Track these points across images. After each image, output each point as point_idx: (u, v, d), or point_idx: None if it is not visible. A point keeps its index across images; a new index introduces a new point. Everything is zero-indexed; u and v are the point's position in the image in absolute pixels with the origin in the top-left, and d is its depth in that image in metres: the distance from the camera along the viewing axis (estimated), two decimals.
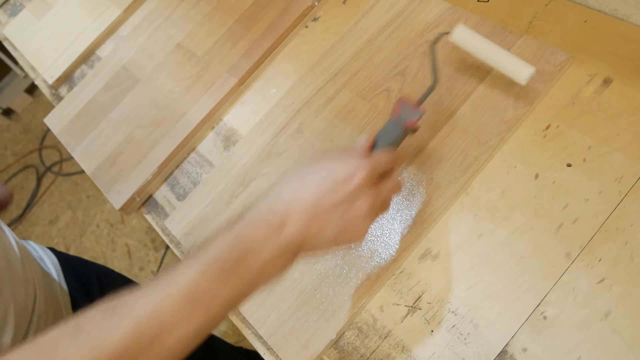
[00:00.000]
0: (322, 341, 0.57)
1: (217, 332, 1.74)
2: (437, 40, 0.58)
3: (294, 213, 0.44)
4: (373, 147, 0.51)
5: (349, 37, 0.74)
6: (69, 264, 0.84)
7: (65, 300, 0.77)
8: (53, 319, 0.72)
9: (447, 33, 0.59)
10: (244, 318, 0.63)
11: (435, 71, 0.56)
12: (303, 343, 0.57)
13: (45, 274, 0.77)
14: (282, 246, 0.43)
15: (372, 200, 0.46)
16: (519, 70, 0.56)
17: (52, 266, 0.80)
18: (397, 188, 0.50)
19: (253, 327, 0.62)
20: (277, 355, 0.59)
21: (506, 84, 0.61)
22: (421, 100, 0.54)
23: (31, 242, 0.83)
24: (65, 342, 0.37)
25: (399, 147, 0.53)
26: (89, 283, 0.84)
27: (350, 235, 0.46)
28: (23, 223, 2.33)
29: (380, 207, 0.48)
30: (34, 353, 0.37)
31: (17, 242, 0.72)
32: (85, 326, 0.38)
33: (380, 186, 0.47)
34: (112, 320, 0.38)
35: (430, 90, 0.55)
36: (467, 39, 0.59)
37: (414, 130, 0.54)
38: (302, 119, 0.71)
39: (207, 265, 0.40)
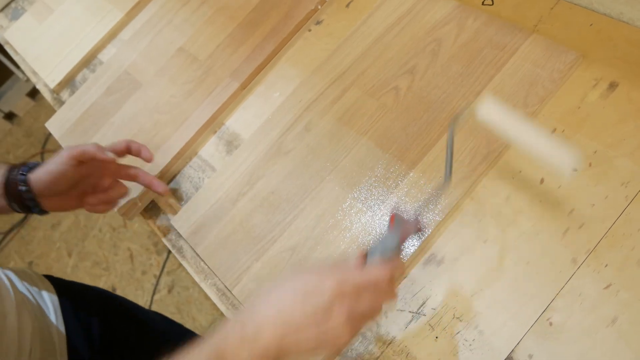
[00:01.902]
0: None
1: None
2: (456, 119, 0.51)
3: (266, 325, 0.44)
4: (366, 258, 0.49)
5: (356, 36, 0.74)
6: (68, 294, 0.82)
7: (61, 343, 0.75)
8: None
9: (463, 115, 0.51)
10: None
11: (450, 165, 0.50)
12: None
13: (42, 321, 0.74)
14: (258, 354, 0.43)
15: (349, 309, 0.44)
16: (561, 160, 0.46)
17: (50, 305, 0.78)
18: (377, 306, 0.47)
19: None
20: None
21: (515, 83, 0.61)
22: (420, 208, 0.51)
23: (32, 276, 0.80)
24: None
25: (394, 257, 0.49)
26: (88, 320, 0.81)
27: (331, 343, 0.45)
28: (25, 227, 2.33)
29: (360, 320, 0.46)
30: None
31: (15, 292, 0.69)
32: None
33: (358, 302, 0.45)
34: None
35: (442, 188, 0.50)
36: (496, 116, 0.49)
37: (419, 231, 0.50)
38: (309, 117, 0.71)
39: None
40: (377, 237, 0.51)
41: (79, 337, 0.78)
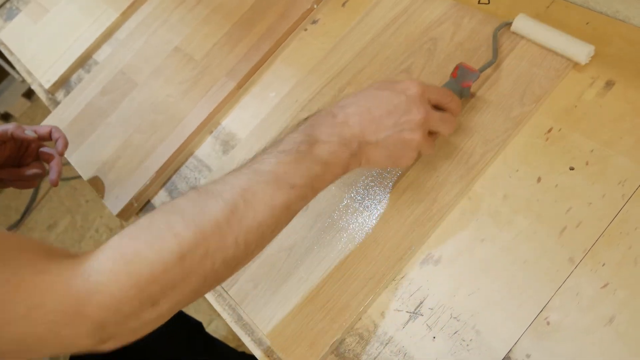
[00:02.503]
0: (328, 340, 0.56)
1: (218, 337, 1.73)
2: (500, 27, 0.63)
3: (352, 114, 0.50)
4: None
5: (352, 35, 0.74)
6: None
7: None
8: None
9: (509, 23, 0.63)
10: (245, 323, 0.62)
11: (495, 50, 0.62)
12: (308, 342, 0.57)
13: None
14: (345, 139, 0.49)
15: (425, 115, 0.50)
16: (579, 50, 0.58)
17: None
18: (449, 122, 0.54)
19: (253, 333, 0.61)
20: (280, 358, 0.58)
21: (511, 82, 0.60)
22: (482, 69, 0.60)
23: None
24: (162, 219, 0.41)
25: None
26: None
27: (399, 147, 0.51)
28: (21, 228, 2.32)
29: (430, 130, 0.52)
30: (135, 230, 0.41)
31: None
32: (181, 206, 0.43)
33: (434, 110, 0.52)
34: (206, 200, 0.43)
35: (490, 63, 0.61)
36: (528, 27, 0.62)
37: (471, 95, 0.60)
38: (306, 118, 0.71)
39: (283, 154, 0.46)
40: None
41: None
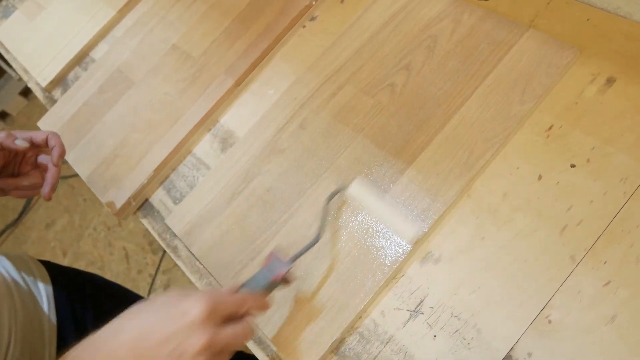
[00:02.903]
0: (328, 339, 0.56)
1: None
2: (331, 196, 0.60)
3: (121, 345, 0.43)
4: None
5: (351, 33, 0.73)
6: (63, 281, 0.81)
7: (51, 334, 0.74)
8: None
9: (341, 190, 0.61)
10: None
11: (323, 226, 0.58)
12: (308, 342, 0.57)
13: (33, 311, 0.73)
14: None
15: (208, 340, 0.43)
16: (405, 229, 0.57)
17: (44, 295, 0.76)
18: (242, 336, 0.47)
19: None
20: (280, 358, 0.58)
21: (512, 79, 0.60)
22: (296, 256, 0.55)
23: (28, 263, 0.79)
24: None
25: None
26: (82, 310, 0.81)
27: None
28: (19, 227, 2.31)
29: (219, 351, 0.45)
30: None
31: (4, 278, 0.69)
32: None
33: (222, 328, 0.45)
34: None
35: (310, 245, 0.56)
36: (360, 196, 0.60)
37: (286, 281, 0.54)
38: (304, 115, 0.70)
39: None
40: (252, 273, 0.54)
41: (71, 328, 0.77)
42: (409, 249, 0.56)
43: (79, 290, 0.83)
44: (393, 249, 0.57)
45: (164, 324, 0.44)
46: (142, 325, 0.44)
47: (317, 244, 0.57)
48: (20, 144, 0.67)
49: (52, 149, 0.69)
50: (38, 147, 0.70)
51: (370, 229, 0.59)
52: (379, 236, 0.59)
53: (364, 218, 0.60)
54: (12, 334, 0.66)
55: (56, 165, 0.69)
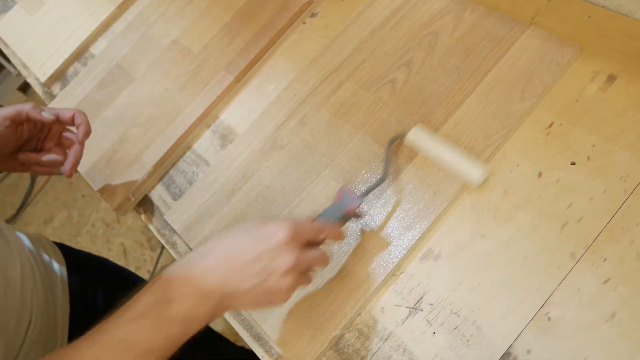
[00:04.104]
0: (327, 336, 0.56)
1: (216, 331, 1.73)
2: (392, 142, 0.61)
3: (211, 266, 0.46)
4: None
5: (352, 29, 0.73)
6: (77, 265, 0.81)
7: (64, 318, 0.75)
8: (46, 342, 0.69)
9: (402, 137, 0.61)
10: (243, 318, 0.62)
11: (388, 167, 0.59)
12: (307, 338, 0.57)
13: (50, 294, 0.73)
14: (203, 294, 0.45)
15: (295, 260, 0.46)
16: (472, 170, 0.56)
17: (59, 279, 0.76)
18: (322, 260, 0.50)
19: (252, 328, 0.61)
20: (279, 353, 0.58)
21: (513, 76, 0.60)
22: (367, 191, 0.57)
23: (45, 244, 0.79)
24: None
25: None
26: (94, 296, 0.81)
27: (269, 292, 0.47)
28: (18, 223, 2.31)
29: (303, 272, 0.49)
30: None
31: (21, 258, 0.68)
32: None
33: (305, 251, 0.48)
34: None
35: (379, 182, 0.58)
36: (421, 140, 0.60)
37: (357, 216, 0.58)
38: (305, 111, 0.70)
39: (135, 319, 0.44)
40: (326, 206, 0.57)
41: (82, 310, 0.78)
42: (478, 184, 0.56)
43: (91, 273, 0.83)
44: (393, 246, 0.57)
45: (252, 245, 0.47)
46: (231, 247, 0.47)
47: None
48: (47, 115, 0.67)
49: (78, 126, 0.69)
50: (63, 124, 0.70)
51: (370, 228, 0.59)
52: (380, 233, 0.59)
53: (361, 220, 0.60)
54: (34, 312, 0.67)
55: (81, 143, 0.69)
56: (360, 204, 0.55)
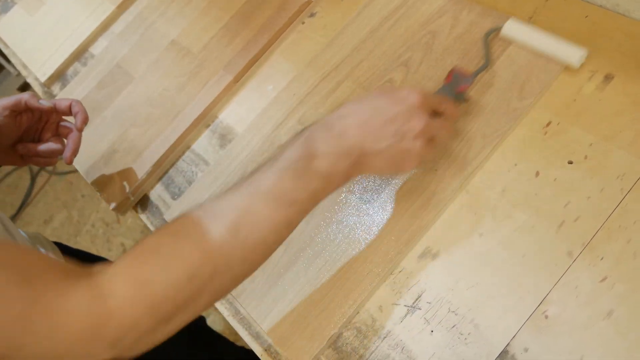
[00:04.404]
0: (325, 334, 0.56)
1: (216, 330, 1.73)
2: (490, 32, 0.63)
3: (351, 125, 0.48)
4: None
5: (350, 29, 0.73)
6: (75, 262, 0.82)
7: None
8: None
9: (499, 28, 0.62)
10: (242, 317, 0.62)
11: (488, 54, 0.62)
12: (306, 337, 0.57)
13: None
14: (343, 151, 0.47)
15: (426, 123, 0.49)
16: (571, 53, 0.57)
17: None
18: (447, 128, 0.53)
19: (251, 327, 0.61)
20: (278, 352, 0.58)
21: (510, 75, 0.60)
22: (476, 73, 0.60)
23: (44, 243, 0.79)
24: (169, 243, 0.43)
25: None
26: None
27: (402, 154, 0.49)
28: (17, 223, 2.31)
29: (431, 138, 0.51)
30: (145, 253, 0.42)
31: None
32: (187, 228, 0.44)
33: (433, 118, 0.51)
34: (210, 222, 0.43)
35: (483, 67, 0.60)
36: (519, 32, 0.61)
37: (465, 99, 0.59)
38: (303, 111, 0.70)
39: (282, 171, 0.46)
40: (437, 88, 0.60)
41: None
42: (577, 66, 0.57)
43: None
44: (391, 244, 0.57)
45: (387, 106, 0.49)
46: (368, 108, 0.49)
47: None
48: (45, 103, 0.68)
49: (75, 115, 0.70)
50: (60, 114, 0.71)
51: (369, 226, 0.60)
52: (378, 231, 0.59)
53: (363, 213, 0.60)
54: None
55: (79, 130, 0.70)
56: (471, 83, 0.59)
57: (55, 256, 0.79)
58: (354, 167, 0.48)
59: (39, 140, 0.72)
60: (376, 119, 0.48)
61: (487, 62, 0.61)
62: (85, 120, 0.70)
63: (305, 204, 0.47)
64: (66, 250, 0.83)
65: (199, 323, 1.13)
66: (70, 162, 0.70)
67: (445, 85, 0.58)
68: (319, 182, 0.47)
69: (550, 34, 0.59)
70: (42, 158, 0.72)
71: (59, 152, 0.71)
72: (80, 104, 0.70)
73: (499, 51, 0.62)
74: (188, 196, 0.72)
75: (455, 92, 0.58)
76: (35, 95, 0.68)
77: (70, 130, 0.71)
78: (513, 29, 0.62)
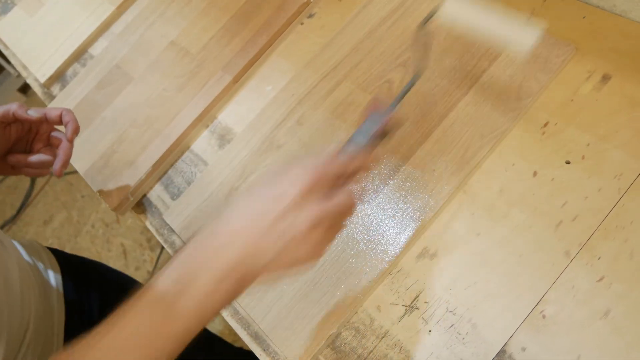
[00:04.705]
0: (324, 334, 0.56)
1: (214, 331, 1.73)
2: (425, 21, 0.51)
3: (237, 232, 0.42)
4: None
5: (349, 29, 0.73)
6: (71, 270, 0.81)
7: (59, 325, 0.74)
8: (42, 348, 0.68)
9: (435, 12, 0.52)
10: (241, 317, 0.62)
11: (422, 59, 0.50)
12: (304, 336, 0.57)
13: (45, 301, 0.73)
14: (224, 271, 0.40)
15: (319, 213, 0.41)
16: (522, 35, 0.48)
17: (54, 285, 0.76)
18: (349, 206, 0.44)
19: (249, 327, 0.61)
20: (276, 352, 0.58)
21: (508, 76, 0.60)
22: (397, 99, 0.50)
23: (39, 250, 0.79)
24: None
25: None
26: (90, 304, 0.81)
27: (298, 254, 0.42)
28: (17, 223, 2.31)
29: (332, 225, 0.43)
30: None
31: (19, 264, 0.68)
32: None
33: (330, 198, 0.43)
34: None
35: (411, 84, 0.50)
36: (461, 13, 0.51)
37: (389, 130, 0.49)
38: (302, 112, 0.71)
39: (148, 303, 0.40)
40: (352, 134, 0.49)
41: (77, 316, 0.78)
42: (526, 52, 0.49)
43: (85, 277, 0.83)
44: (389, 244, 0.58)
45: (271, 204, 0.42)
46: (255, 206, 0.43)
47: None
48: (33, 113, 0.66)
49: (66, 124, 0.68)
50: (51, 124, 0.69)
51: (367, 226, 0.60)
52: (376, 232, 0.59)
53: (361, 213, 0.61)
54: (31, 319, 0.67)
55: (70, 141, 0.68)
56: (390, 117, 0.48)
57: (51, 263, 0.79)
58: (238, 286, 0.41)
59: (30, 151, 0.70)
60: (263, 219, 0.41)
61: (419, 75, 0.51)
62: (76, 130, 0.68)
63: (178, 344, 0.41)
64: (62, 257, 0.83)
65: None
66: (60, 175, 0.67)
67: (362, 124, 0.48)
68: (194, 309, 0.40)
69: (501, 14, 0.50)
70: (33, 169, 0.70)
71: (50, 163, 0.69)
72: (71, 113, 0.68)
73: (492, 56, 0.62)
74: (187, 196, 0.73)
75: (373, 132, 0.48)
76: (23, 105, 0.66)
77: (61, 140, 0.69)
78: (454, 11, 0.51)
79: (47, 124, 0.69)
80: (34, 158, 0.68)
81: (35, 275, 0.73)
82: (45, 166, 0.70)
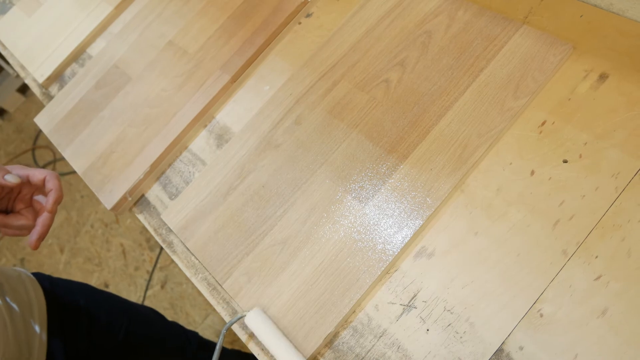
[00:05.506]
0: (322, 333, 0.56)
1: (213, 332, 1.73)
2: (232, 322, 0.59)
3: None
4: None
5: (346, 29, 0.73)
6: (56, 294, 0.80)
7: (40, 352, 0.73)
8: None
9: (243, 316, 0.59)
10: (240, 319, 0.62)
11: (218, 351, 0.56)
12: (302, 335, 0.57)
13: (24, 333, 0.71)
14: None
15: None
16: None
17: (37, 313, 0.76)
18: None
19: (248, 326, 0.61)
20: (272, 355, 0.58)
21: (506, 75, 0.60)
22: None
23: (25, 282, 0.78)
24: None
25: None
26: (75, 324, 0.81)
27: None
28: None
29: None
30: None
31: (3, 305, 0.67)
32: None
33: None
34: None
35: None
36: (258, 324, 0.58)
37: None
38: (299, 111, 0.71)
39: None
40: None
41: (60, 344, 0.77)
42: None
43: (72, 302, 0.83)
44: (387, 244, 0.58)
45: None
46: None
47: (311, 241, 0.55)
48: (10, 179, 0.62)
49: (48, 192, 0.64)
50: (34, 187, 0.66)
51: (364, 225, 0.60)
52: (374, 231, 0.59)
53: (359, 212, 0.61)
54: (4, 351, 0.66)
55: (50, 212, 0.64)
56: None
57: (35, 294, 0.78)
58: None
59: (12, 210, 0.67)
60: None
61: None
62: (58, 200, 0.64)
63: None
64: (47, 281, 0.83)
65: (193, 339, 1.12)
66: (35, 248, 0.63)
67: None
68: None
69: (285, 339, 0.56)
70: (12, 230, 0.65)
71: (31, 227, 0.65)
72: (56, 179, 0.64)
73: (491, 53, 0.63)
74: (185, 196, 0.73)
75: None
76: (3, 168, 0.62)
77: (43, 207, 0.65)
78: (254, 320, 0.58)
79: (29, 186, 0.66)
80: (16, 222, 0.65)
81: (13, 313, 0.71)
82: (24, 229, 0.66)
